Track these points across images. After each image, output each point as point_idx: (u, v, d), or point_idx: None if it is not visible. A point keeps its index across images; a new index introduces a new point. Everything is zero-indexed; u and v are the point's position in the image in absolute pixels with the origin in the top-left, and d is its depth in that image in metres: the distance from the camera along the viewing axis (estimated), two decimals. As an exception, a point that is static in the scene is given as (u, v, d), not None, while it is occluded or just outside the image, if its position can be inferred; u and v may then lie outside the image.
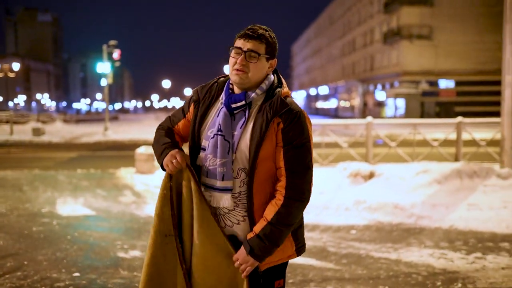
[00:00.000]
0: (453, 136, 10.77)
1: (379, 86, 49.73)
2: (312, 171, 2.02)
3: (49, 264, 4.69)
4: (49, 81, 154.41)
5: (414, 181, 7.54)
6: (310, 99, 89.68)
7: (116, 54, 27.10)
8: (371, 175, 8.10)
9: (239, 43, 2.01)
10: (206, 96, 2.11)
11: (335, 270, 4.60)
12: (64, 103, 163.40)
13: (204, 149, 2.04)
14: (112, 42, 27.01)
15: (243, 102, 2.00)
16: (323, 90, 75.11)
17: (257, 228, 1.96)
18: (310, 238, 5.64)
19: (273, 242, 1.94)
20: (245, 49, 1.99)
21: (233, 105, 2.00)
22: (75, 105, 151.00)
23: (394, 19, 44.70)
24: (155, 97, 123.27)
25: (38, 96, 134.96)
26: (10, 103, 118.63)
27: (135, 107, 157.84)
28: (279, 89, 2.05)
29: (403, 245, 5.39)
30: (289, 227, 1.97)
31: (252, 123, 1.98)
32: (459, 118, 10.39)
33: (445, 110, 40.37)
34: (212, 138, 2.01)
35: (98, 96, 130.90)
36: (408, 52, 42.12)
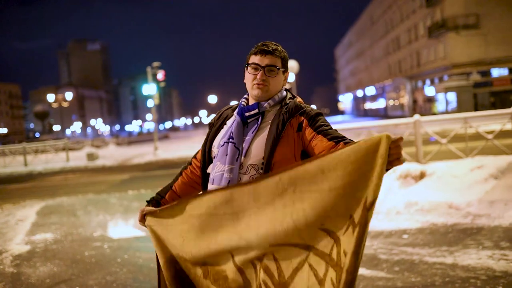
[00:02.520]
0: (509, 126, 10.18)
1: (428, 82, 48.35)
2: None
3: (99, 289, 4.75)
4: (101, 107, 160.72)
5: (468, 178, 7.15)
6: (358, 101, 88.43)
7: (160, 75, 27.74)
8: (422, 175, 7.77)
9: (255, 59, 2.10)
10: (219, 119, 2.24)
11: (387, 278, 4.39)
12: (117, 127, 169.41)
13: (215, 158, 2.12)
14: (156, 64, 27.68)
15: (256, 111, 2.09)
16: (370, 91, 73.88)
17: None
18: (360, 246, 5.43)
19: None
20: (263, 64, 2.08)
21: (247, 114, 2.09)
22: (128, 128, 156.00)
23: (437, 12, 43.46)
24: (203, 113, 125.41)
25: (92, 122, 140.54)
26: (68, 131, 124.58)
27: (185, 124, 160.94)
28: (293, 99, 2.17)
29: (460, 248, 5.09)
30: None
31: (267, 128, 2.04)
32: (514, 107, 9.82)
33: (500, 99, 38.65)
34: (222, 146, 2.07)
35: (148, 117, 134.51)
36: (455, 44, 40.74)
